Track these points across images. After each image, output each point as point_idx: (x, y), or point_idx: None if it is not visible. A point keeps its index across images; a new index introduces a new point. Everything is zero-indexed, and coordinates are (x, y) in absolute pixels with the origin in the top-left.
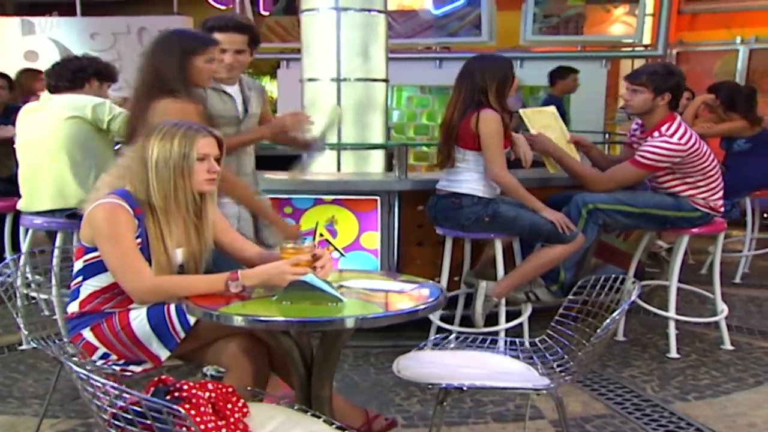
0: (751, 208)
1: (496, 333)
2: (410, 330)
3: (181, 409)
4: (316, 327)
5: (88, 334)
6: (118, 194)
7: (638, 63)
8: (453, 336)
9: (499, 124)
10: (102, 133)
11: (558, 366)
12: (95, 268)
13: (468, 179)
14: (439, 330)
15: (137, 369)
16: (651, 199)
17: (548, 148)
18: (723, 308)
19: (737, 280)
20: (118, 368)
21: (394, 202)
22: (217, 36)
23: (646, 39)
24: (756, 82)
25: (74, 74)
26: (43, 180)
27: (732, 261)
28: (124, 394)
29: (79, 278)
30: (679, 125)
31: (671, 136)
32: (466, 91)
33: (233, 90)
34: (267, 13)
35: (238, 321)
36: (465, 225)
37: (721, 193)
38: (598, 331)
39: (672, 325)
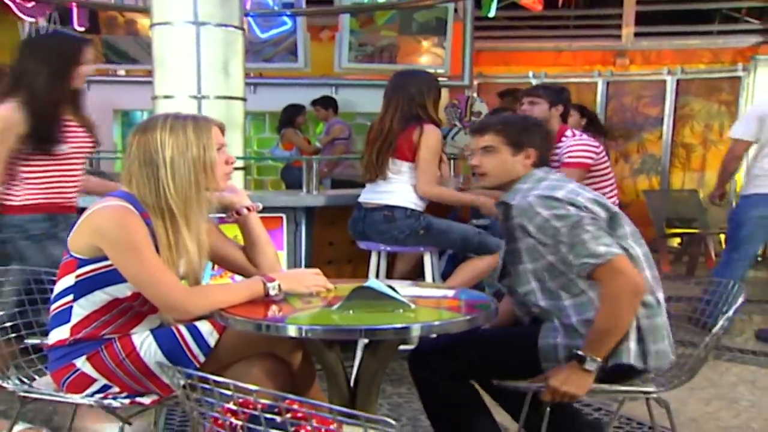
0: None
1: None
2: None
3: None
4: (400, 334)
5: (83, 364)
6: (120, 196)
7: (446, 91)
8: None
9: (440, 141)
10: None
11: None
12: (90, 284)
13: (400, 191)
14: None
15: (146, 401)
16: None
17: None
18: None
19: None
20: (127, 401)
21: (301, 219)
22: None
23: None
24: None
25: None
26: None
27: None
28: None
29: (69, 297)
30: (580, 132)
31: (581, 136)
32: (402, 103)
33: None
34: (82, 29)
35: (301, 332)
36: (399, 238)
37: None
38: (707, 338)
39: None
